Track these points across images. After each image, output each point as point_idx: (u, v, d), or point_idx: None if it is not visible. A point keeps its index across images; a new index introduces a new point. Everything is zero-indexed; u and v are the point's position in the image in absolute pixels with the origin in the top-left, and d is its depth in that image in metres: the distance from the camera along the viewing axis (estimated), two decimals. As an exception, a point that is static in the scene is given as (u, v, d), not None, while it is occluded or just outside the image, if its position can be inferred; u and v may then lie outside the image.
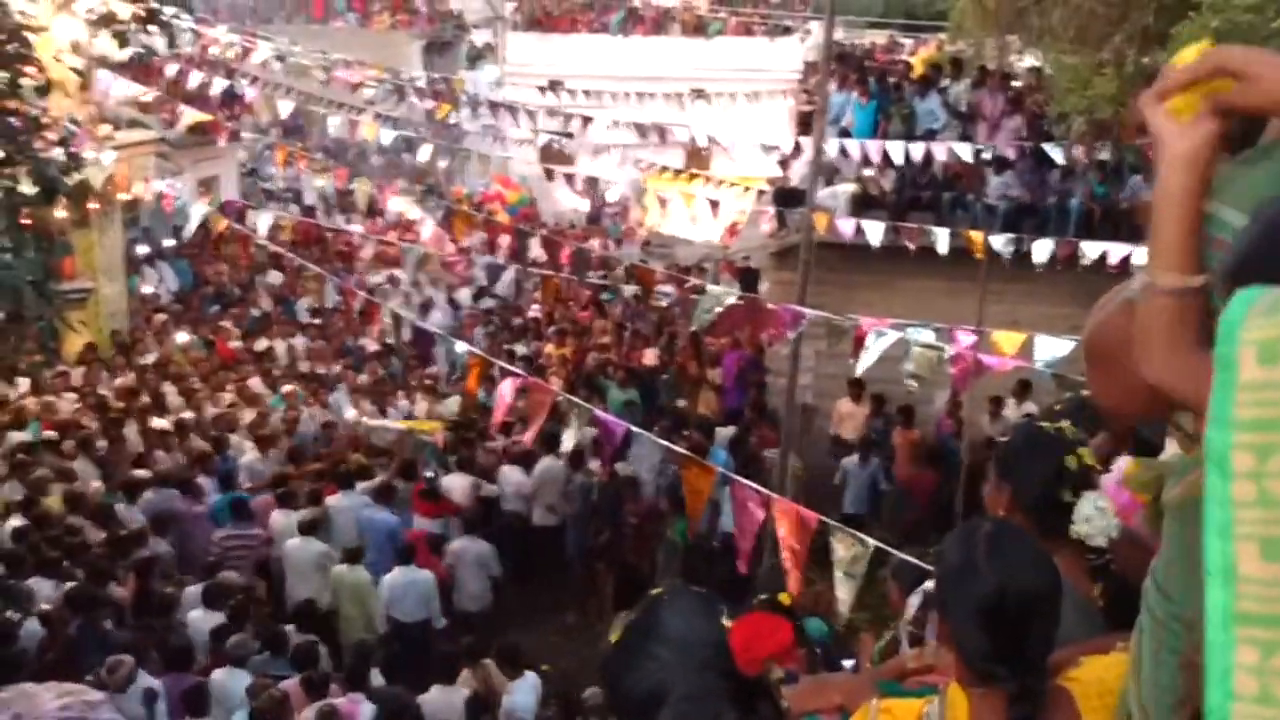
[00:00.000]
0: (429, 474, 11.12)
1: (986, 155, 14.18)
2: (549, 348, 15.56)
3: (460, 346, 10.84)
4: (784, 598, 5.48)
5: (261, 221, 14.19)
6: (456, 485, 11.03)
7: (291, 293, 18.91)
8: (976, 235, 12.12)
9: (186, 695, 7.46)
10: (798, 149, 15.08)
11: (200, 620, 8.60)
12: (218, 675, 7.85)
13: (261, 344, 15.60)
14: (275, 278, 19.23)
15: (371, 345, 16.02)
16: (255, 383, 13.89)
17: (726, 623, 2.32)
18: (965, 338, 9.12)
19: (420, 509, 10.62)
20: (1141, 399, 1.59)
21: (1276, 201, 1.29)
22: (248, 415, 12.67)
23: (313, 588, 9.54)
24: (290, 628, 8.59)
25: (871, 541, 6.51)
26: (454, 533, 10.53)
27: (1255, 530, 0.86)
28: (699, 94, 24.34)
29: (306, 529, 9.75)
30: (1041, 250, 12.32)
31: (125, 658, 7.51)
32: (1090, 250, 12.09)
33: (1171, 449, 1.70)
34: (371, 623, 9.40)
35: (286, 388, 13.42)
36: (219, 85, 16.59)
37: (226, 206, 15.55)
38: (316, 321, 17.35)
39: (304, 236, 17.56)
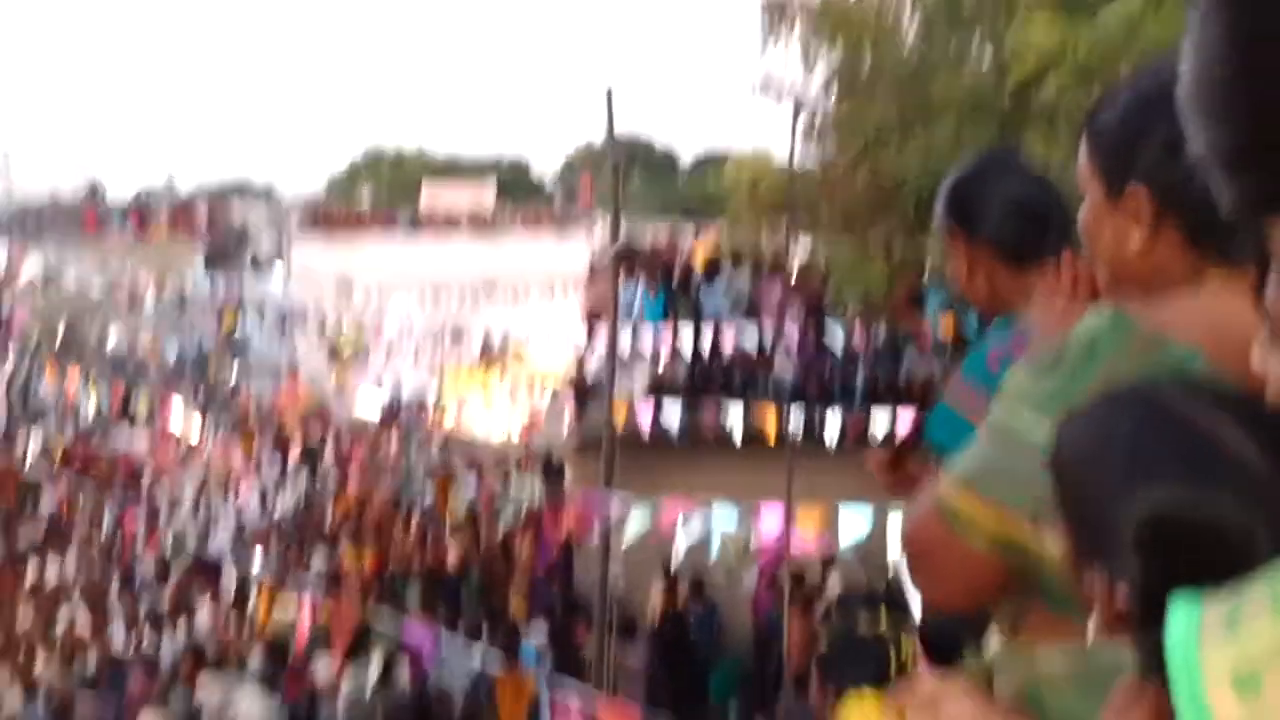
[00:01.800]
0: None
1: (770, 340, 14.76)
2: (347, 555, 14.97)
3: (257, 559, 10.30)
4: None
5: (33, 442, 13.36)
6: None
7: (69, 514, 17.71)
8: (770, 412, 12.49)
9: None
10: (591, 340, 15.36)
11: None
12: None
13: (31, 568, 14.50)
14: (49, 501, 18.02)
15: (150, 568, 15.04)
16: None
17: None
18: (770, 515, 9.26)
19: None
20: (962, 599, 1.61)
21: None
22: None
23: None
24: None
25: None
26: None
27: None
28: (490, 291, 24.66)
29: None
30: (833, 425, 12.77)
31: None
32: (879, 423, 12.60)
33: (994, 642, 1.71)
34: None
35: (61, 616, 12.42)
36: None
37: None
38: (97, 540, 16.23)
39: (80, 455, 16.62)
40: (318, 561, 15.00)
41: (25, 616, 13.12)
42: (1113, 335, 1.45)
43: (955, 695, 1.46)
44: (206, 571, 12.62)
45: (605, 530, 9.81)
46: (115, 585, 14.48)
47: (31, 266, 18.34)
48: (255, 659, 11.35)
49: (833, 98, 14.11)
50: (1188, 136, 0.86)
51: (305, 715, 10.65)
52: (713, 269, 16.46)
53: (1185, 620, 0.79)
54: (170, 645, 12.36)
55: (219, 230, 32.62)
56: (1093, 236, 1.60)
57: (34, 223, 31.55)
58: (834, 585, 12.15)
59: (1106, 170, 1.54)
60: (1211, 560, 1.05)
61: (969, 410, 2.27)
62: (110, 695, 10.91)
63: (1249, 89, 0.79)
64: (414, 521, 16.54)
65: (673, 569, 12.38)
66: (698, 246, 21.70)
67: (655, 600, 13.29)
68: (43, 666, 11.58)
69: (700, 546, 8.86)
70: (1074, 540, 1.21)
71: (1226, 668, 0.75)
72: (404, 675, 10.68)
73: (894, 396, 14.14)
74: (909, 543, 1.63)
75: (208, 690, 10.55)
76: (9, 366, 21.41)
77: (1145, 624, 1.08)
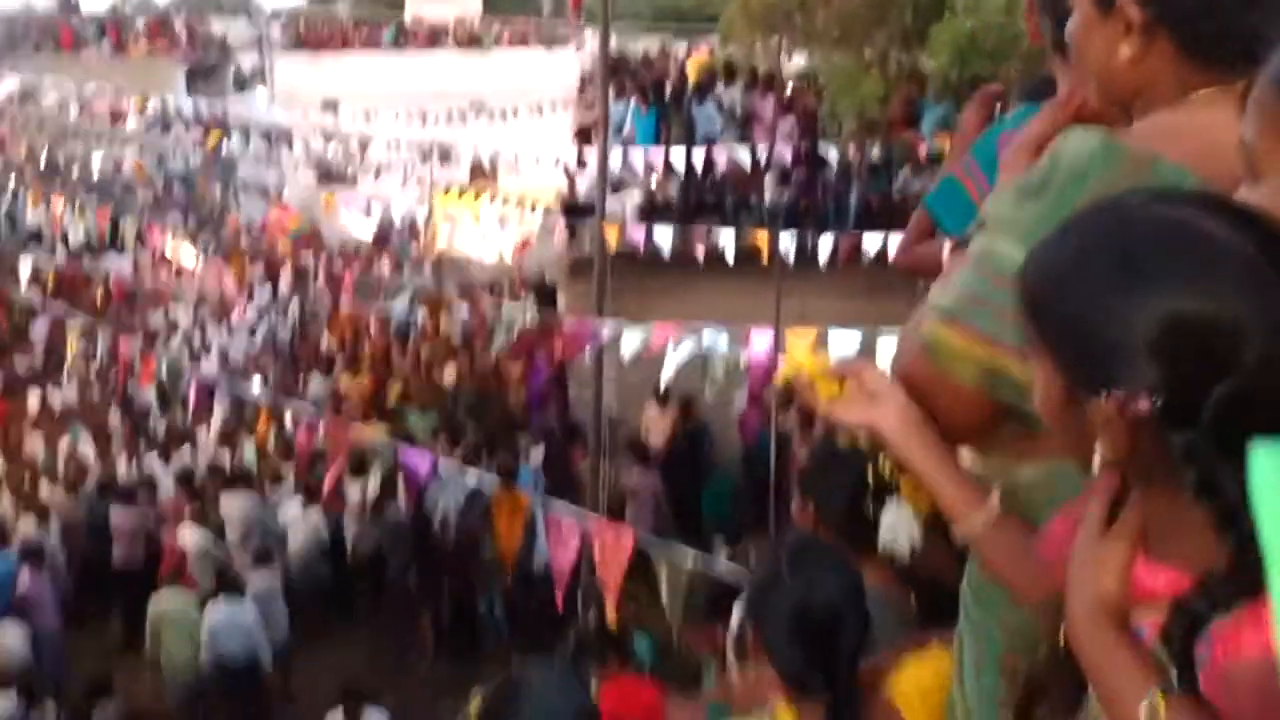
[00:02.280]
0: None
1: (764, 159, 14.54)
2: (344, 381, 15.10)
3: (254, 388, 10.39)
4: (610, 621, 5.42)
5: (23, 268, 13.29)
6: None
7: (61, 341, 17.77)
8: (762, 234, 12.41)
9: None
10: (582, 161, 15.14)
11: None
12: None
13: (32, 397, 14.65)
14: (42, 327, 18.06)
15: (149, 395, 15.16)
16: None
17: (592, 693, 2.28)
18: (760, 338, 9.29)
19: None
20: (955, 434, 1.60)
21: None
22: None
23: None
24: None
25: (691, 553, 6.53)
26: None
27: None
28: (479, 109, 24.15)
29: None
30: (825, 246, 12.70)
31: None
32: (871, 243, 12.53)
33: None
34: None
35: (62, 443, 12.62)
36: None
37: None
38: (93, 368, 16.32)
39: (70, 281, 16.55)
40: (314, 386, 15.15)
41: (32, 444, 13.28)
42: (1103, 157, 1.41)
43: (894, 391, 1.55)
44: (204, 397, 12.73)
45: (598, 355, 9.85)
46: (115, 412, 14.64)
47: (8, 85, 17.87)
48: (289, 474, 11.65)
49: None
50: None
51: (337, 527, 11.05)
52: (706, 84, 16.09)
53: (1271, 461, 0.80)
54: (173, 469, 12.59)
55: (198, 47, 31.71)
56: (1082, 49, 1.56)
57: (6, 39, 30.62)
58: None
59: None
60: (1229, 353, 1.03)
61: (973, 189, 2.24)
62: (145, 510, 11.18)
63: None
64: (408, 345, 16.65)
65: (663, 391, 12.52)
66: (690, 61, 21.19)
67: (649, 422, 13.49)
68: (49, 493, 11.80)
69: (690, 369, 8.91)
70: (1068, 369, 1.15)
71: None
72: (401, 496, 10.96)
73: (888, 216, 14.03)
74: (900, 381, 1.61)
75: (238, 504, 10.85)
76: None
77: (1174, 427, 1.06)
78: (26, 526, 10.82)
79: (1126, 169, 1.39)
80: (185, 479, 11.61)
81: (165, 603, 9.30)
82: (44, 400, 14.56)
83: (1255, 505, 0.79)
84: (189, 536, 10.37)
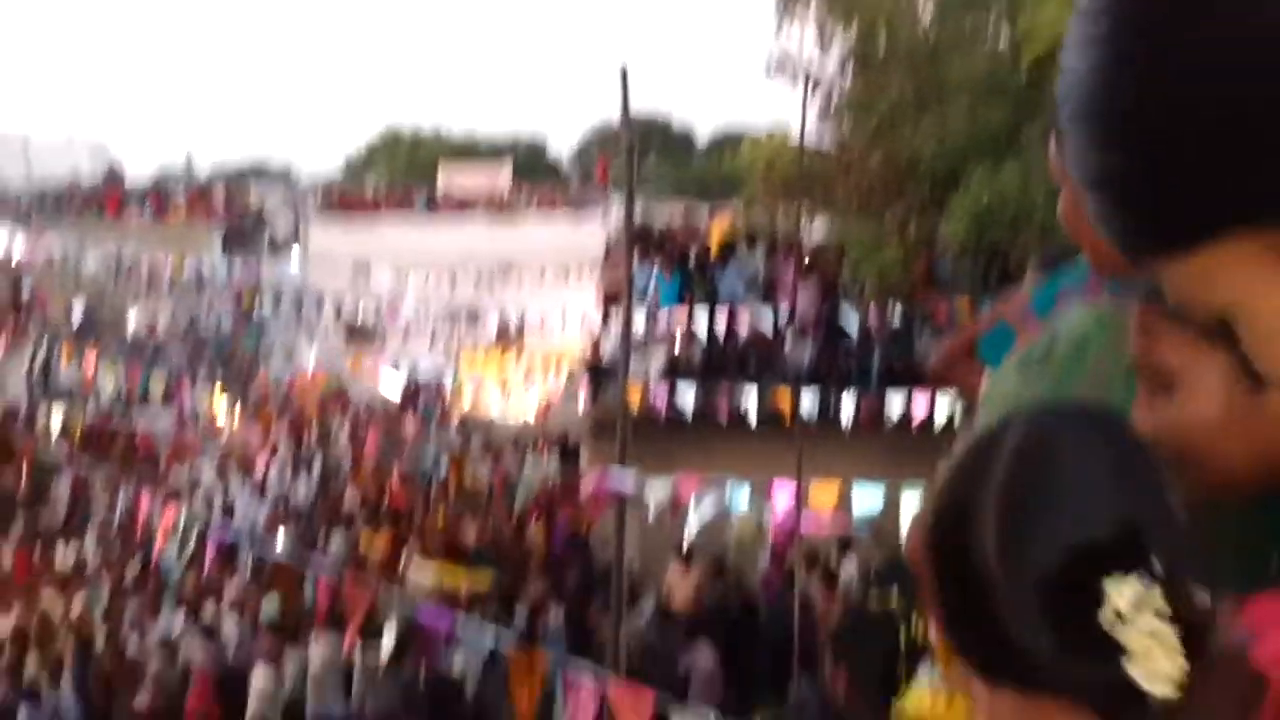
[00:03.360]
0: None
1: (785, 322, 14.71)
2: (363, 537, 15.03)
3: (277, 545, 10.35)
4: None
5: (53, 421, 13.45)
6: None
7: (85, 497, 17.85)
8: (785, 394, 12.46)
9: None
10: (607, 322, 15.36)
11: None
12: None
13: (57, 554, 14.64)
14: (66, 483, 18.16)
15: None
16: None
17: None
18: (783, 495, 9.24)
19: None
20: None
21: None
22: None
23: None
24: None
25: (712, 713, 6.37)
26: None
27: None
28: (507, 272, 24.67)
29: None
30: (847, 407, 12.74)
31: None
32: (894, 404, 12.56)
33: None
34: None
35: (77, 600, 12.53)
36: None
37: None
38: (114, 525, 16.34)
39: (98, 436, 16.72)
40: (335, 543, 15.06)
41: (50, 600, 13.21)
42: (1099, 331, 1.41)
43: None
44: (225, 554, 12.68)
45: (621, 510, 9.80)
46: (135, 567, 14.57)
47: (52, 249, 18.43)
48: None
49: (848, 77, 14.04)
50: (1074, 156, 0.77)
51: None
52: (728, 250, 16.42)
53: None
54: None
55: (236, 212, 32.73)
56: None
57: (54, 205, 31.70)
58: (850, 566, 12.14)
59: None
60: None
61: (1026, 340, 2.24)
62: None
63: (1150, 110, 0.70)
64: (431, 500, 16.62)
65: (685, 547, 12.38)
66: (713, 227, 21.67)
67: (673, 581, 13.29)
68: (65, 650, 11.67)
69: (714, 525, 8.86)
70: None
71: None
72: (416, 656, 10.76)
73: (909, 377, 14.09)
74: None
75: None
76: (30, 348, 21.58)
77: None
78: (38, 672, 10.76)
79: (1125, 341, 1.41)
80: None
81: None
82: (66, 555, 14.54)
83: None
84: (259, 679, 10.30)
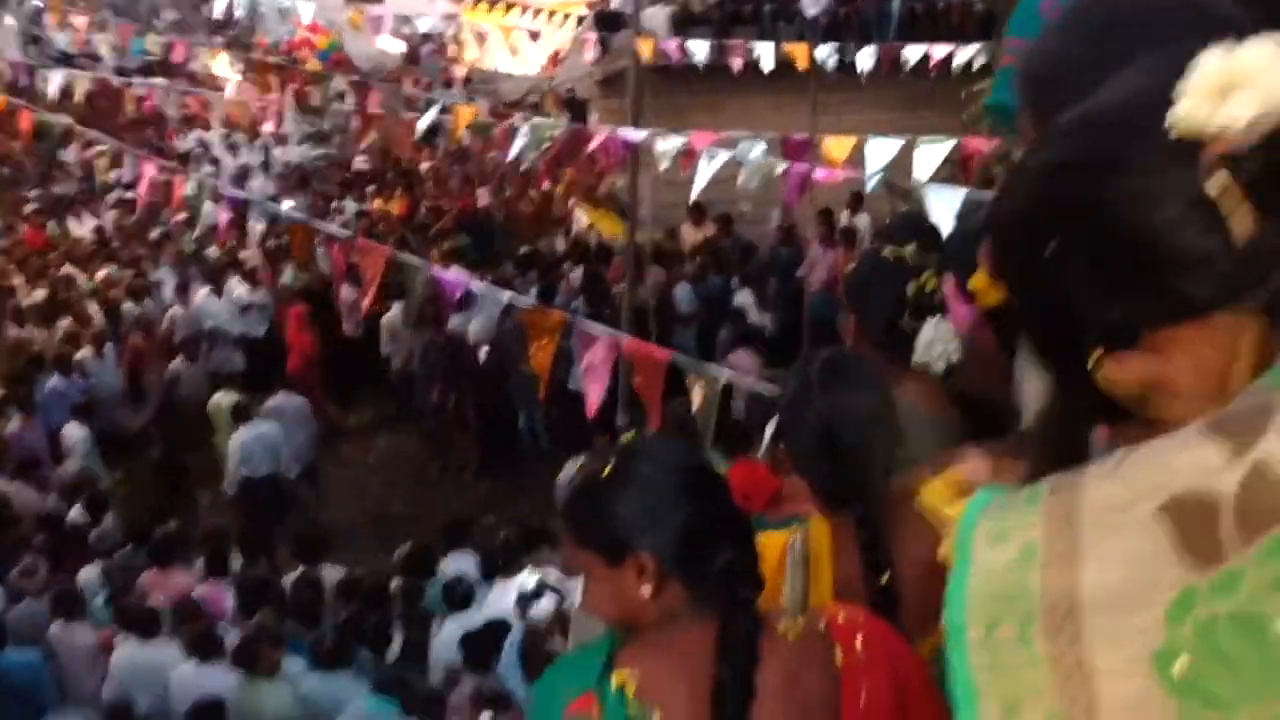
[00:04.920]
0: None
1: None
2: (377, 203, 14.97)
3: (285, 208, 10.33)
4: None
5: (52, 83, 13.08)
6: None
7: (92, 166, 17.70)
8: (800, 47, 11.99)
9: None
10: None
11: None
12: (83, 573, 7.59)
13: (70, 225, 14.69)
14: (74, 152, 17.97)
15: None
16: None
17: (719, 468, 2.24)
18: (796, 149, 9.04)
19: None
20: None
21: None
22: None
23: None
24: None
25: (725, 373, 6.51)
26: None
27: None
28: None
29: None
30: (865, 58, 12.28)
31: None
32: (912, 54, 12.10)
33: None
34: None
35: (101, 273, 12.66)
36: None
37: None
38: (128, 196, 16.25)
39: (101, 100, 16.21)
40: (350, 204, 15.04)
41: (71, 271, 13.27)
42: None
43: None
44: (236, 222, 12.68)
45: (634, 168, 9.61)
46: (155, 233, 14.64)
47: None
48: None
49: None
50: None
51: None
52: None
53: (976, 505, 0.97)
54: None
55: None
56: None
57: None
58: (862, 221, 12.12)
59: None
60: None
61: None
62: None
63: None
64: (438, 163, 16.46)
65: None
66: None
67: (685, 236, 13.35)
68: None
69: (725, 180, 8.70)
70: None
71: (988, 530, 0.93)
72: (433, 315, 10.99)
73: (930, 27, 13.54)
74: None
75: None
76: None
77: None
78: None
79: None
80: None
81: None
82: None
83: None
84: None
